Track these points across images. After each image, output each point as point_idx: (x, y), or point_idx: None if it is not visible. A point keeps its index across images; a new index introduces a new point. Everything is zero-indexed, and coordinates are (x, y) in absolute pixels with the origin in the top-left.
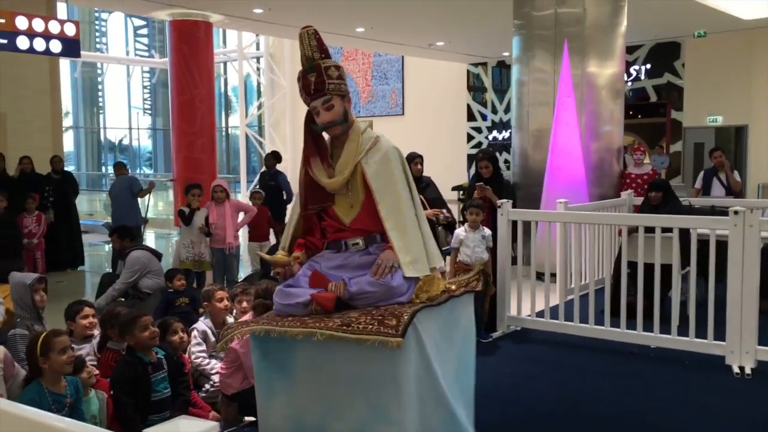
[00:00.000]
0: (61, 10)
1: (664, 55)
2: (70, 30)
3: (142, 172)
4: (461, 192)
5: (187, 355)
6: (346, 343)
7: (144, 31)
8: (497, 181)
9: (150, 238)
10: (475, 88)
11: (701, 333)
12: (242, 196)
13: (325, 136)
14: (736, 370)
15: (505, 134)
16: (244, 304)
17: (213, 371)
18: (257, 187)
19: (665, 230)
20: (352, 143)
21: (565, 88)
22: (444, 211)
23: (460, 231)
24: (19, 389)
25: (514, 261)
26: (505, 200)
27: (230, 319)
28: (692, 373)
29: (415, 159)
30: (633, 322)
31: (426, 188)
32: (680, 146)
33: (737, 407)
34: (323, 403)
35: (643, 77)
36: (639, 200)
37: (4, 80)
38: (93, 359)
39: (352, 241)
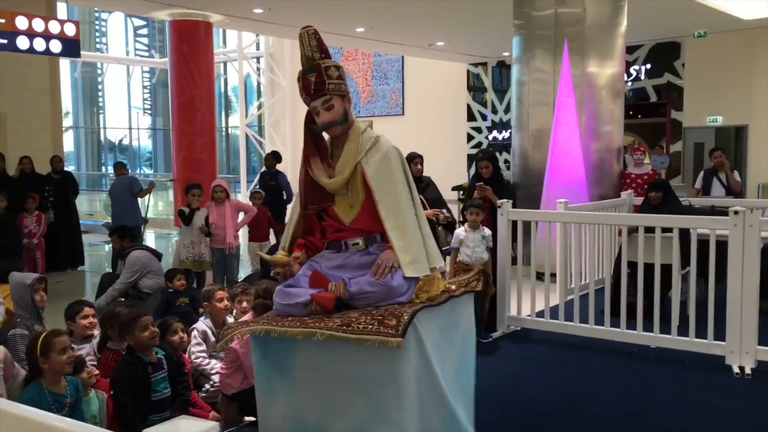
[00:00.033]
0: (61, 10)
1: (664, 55)
2: (70, 30)
3: (142, 172)
4: (461, 192)
5: (187, 355)
6: (346, 343)
7: (144, 31)
8: (497, 181)
9: (150, 238)
10: (475, 88)
11: (701, 333)
12: (242, 196)
13: (325, 136)
14: (736, 370)
15: (505, 134)
16: (244, 304)
17: (213, 371)
18: (257, 187)
19: (665, 230)
20: (352, 143)
21: (565, 88)
22: (444, 211)
23: (460, 231)
24: (19, 389)
25: (514, 261)
26: (505, 200)
27: (230, 319)
28: (692, 373)
29: (415, 159)
30: (633, 322)
31: (426, 188)
32: (680, 146)
33: (737, 407)
34: (323, 403)
35: (643, 77)
36: (639, 200)
37: (4, 80)
38: (93, 359)
39: (352, 241)
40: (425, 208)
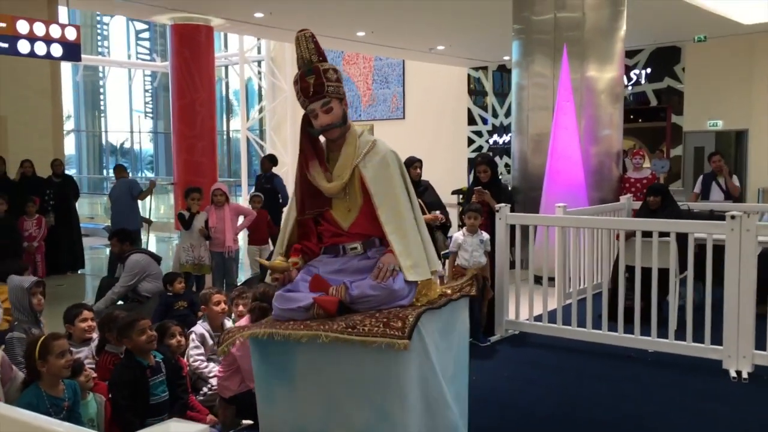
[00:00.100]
0: (63, 14)
1: (664, 60)
2: (70, 34)
3: (143, 175)
4: (461, 196)
5: (185, 359)
6: (349, 346)
7: (146, 34)
8: (495, 186)
9: (151, 241)
10: (475, 91)
11: (698, 337)
12: (243, 199)
13: (321, 139)
14: (733, 374)
15: (506, 138)
16: (241, 307)
17: (211, 374)
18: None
19: (663, 235)
20: (349, 147)
21: (565, 92)
22: (437, 212)
23: (458, 235)
24: (17, 392)
25: (512, 265)
26: (503, 204)
27: (228, 323)
28: (689, 377)
29: (414, 163)
30: (631, 326)
31: (424, 192)
32: (680, 150)
33: (734, 412)
34: (325, 407)
35: (643, 81)
36: (638, 204)
37: (5, 83)
38: (91, 362)
39: (351, 245)
40: (423, 213)
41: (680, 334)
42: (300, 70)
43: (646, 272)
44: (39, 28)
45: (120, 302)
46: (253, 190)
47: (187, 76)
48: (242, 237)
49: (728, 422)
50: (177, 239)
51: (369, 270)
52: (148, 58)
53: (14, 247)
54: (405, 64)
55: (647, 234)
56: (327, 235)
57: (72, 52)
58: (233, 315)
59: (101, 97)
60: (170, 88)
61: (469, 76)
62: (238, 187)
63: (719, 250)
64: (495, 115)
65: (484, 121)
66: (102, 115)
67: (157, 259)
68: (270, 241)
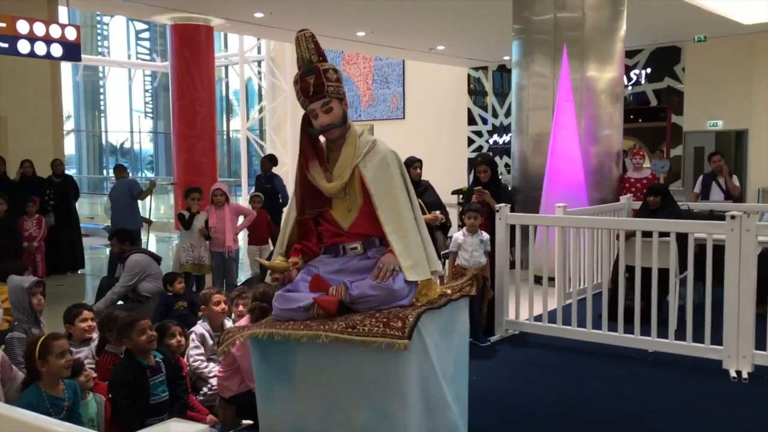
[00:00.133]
0: (63, 14)
1: (664, 60)
2: (70, 34)
3: (143, 175)
4: (461, 196)
5: (185, 359)
6: (349, 346)
7: (146, 34)
8: (495, 186)
9: (151, 241)
10: (475, 91)
11: (698, 337)
12: (243, 199)
13: (321, 139)
14: (733, 374)
15: (506, 138)
16: (241, 307)
17: (211, 374)
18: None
19: (662, 235)
20: (349, 147)
21: (565, 92)
22: (437, 212)
23: (459, 235)
24: (17, 392)
25: (512, 265)
26: (503, 204)
27: (228, 323)
28: (689, 377)
29: (414, 163)
30: (631, 326)
31: (424, 192)
32: (680, 150)
33: (734, 412)
34: (325, 407)
35: (643, 81)
36: (638, 204)
37: (5, 83)
38: (91, 362)
39: (351, 245)
40: (423, 213)
41: (680, 334)
42: (300, 70)
43: (646, 272)
44: (39, 28)
45: (120, 302)
46: (253, 190)
47: (187, 76)
48: (242, 237)
49: (728, 422)
50: (177, 239)
51: (369, 270)
52: (148, 58)
53: (14, 247)
54: (405, 64)
55: (647, 234)
56: (327, 235)
57: (72, 52)
58: (233, 315)
59: (101, 97)
60: (170, 88)
61: (469, 76)
62: (238, 187)
63: (719, 250)
64: (495, 115)
65: (484, 121)
66: (102, 115)
67: (157, 259)
68: (270, 241)
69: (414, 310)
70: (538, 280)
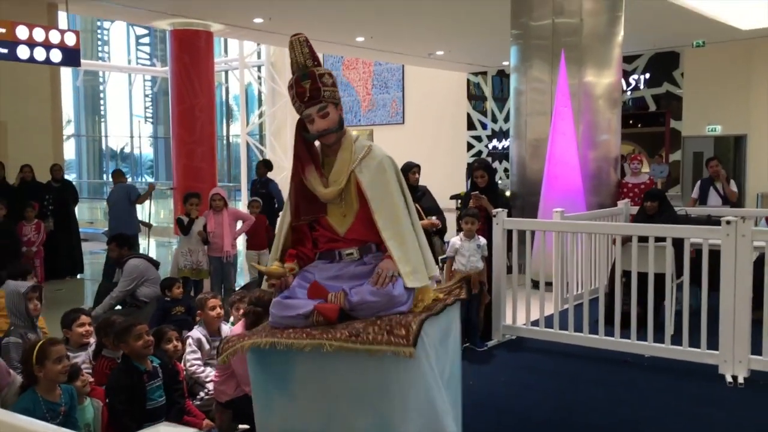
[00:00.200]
0: (62, 20)
1: (663, 65)
2: (70, 40)
3: (143, 180)
4: (459, 201)
5: (182, 363)
6: (351, 354)
7: (146, 40)
8: (492, 191)
9: (151, 246)
10: (475, 97)
11: (695, 342)
12: (243, 204)
13: (316, 144)
14: (729, 379)
15: (505, 143)
16: (241, 311)
17: (208, 379)
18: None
19: (659, 240)
20: (345, 152)
21: (563, 97)
22: (434, 218)
23: (456, 240)
24: (15, 396)
25: (509, 270)
26: (500, 209)
27: (225, 327)
28: (685, 382)
29: (412, 168)
30: (627, 331)
31: (422, 197)
32: (679, 155)
33: (730, 417)
34: (325, 415)
35: (642, 87)
36: (636, 209)
37: (5, 88)
38: (89, 367)
39: (347, 251)
40: (421, 218)
41: (676, 339)
42: (295, 74)
43: (643, 277)
44: (38, 34)
45: (118, 307)
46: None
47: (186, 81)
48: (241, 242)
49: (724, 427)
50: (176, 244)
51: (366, 276)
52: (148, 63)
53: (13, 252)
54: (404, 69)
55: (644, 239)
56: (323, 240)
57: (71, 57)
58: (232, 318)
59: (101, 101)
60: (170, 94)
61: (468, 81)
62: (237, 192)
63: (716, 255)
64: (494, 120)
65: (484, 126)
66: (102, 119)
67: (155, 264)
68: (268, 246)
69: (415, 317)
70: (536, 284)
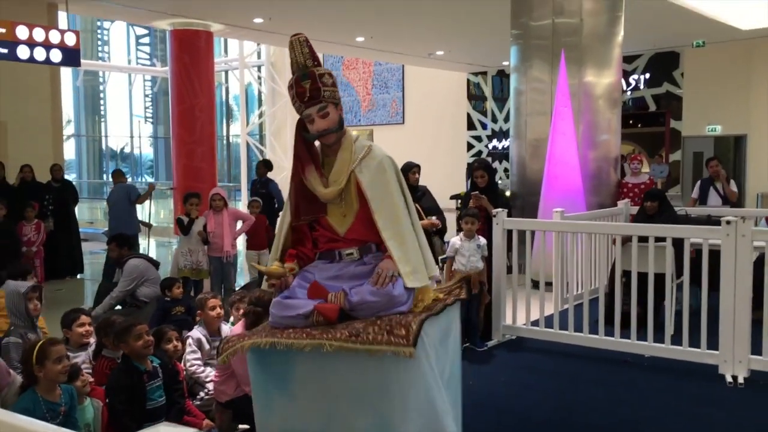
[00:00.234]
0: (63, 19)
1: (663, 65)
2: (70, 40)
3: (143, 180)
4: (459, 201)
5: (182, 363)
6: (351, 354)
7: (146, 39)
8: (492, 191)
9: (152, 246)
10: (475, 96)
11: (695, 342)
12: (243, 204)
13: (316, 144)
14: (729, 379)
15: (505, 143)
16: (242, 311)
17: (208, 379)
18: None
19: (659, 240)
20: (345, 152)
21: (562, 97)
22: (434, 218)
23: (456, 240)
24: (15, 396)
25: (509, 270)
26: (500, 209)
27: (225, 327)
28: (685, 382)
29: (412, 168)
30: (627, 331)
31: (422, 197)
32: (679, 155)
33: (730, 417)
34: (325, 415)
35: (642, 87)
36: (636, 209)
37: (5, 88)
38: (89, 367)
39: (347, 251)
40: (421, 218)
41: (676, 339)
42: (295, 74)
43: (643, 277)
44: (38, 34)
45: (118, 307)
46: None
47: (186, 81)
48: (241, 242)
49: (724, 427)
50: (177, 244)
51: (366, 276)
52: (148, 62)
53: (13, 252)
54: (404, 69)
55: (643, 239)
56: (323, 240)
57: (71, 57)
58: (232, 318)
59: (101, 101)
60: (170, 93)
61: (468, 81)
62: (238, 191)
63: (716, 255)
64: (494, 120)
65: (484, 126)
66: (102, 119)
67: (155, 264)
68: (269, 246)
69: (415, 317)
70: (536, 284)
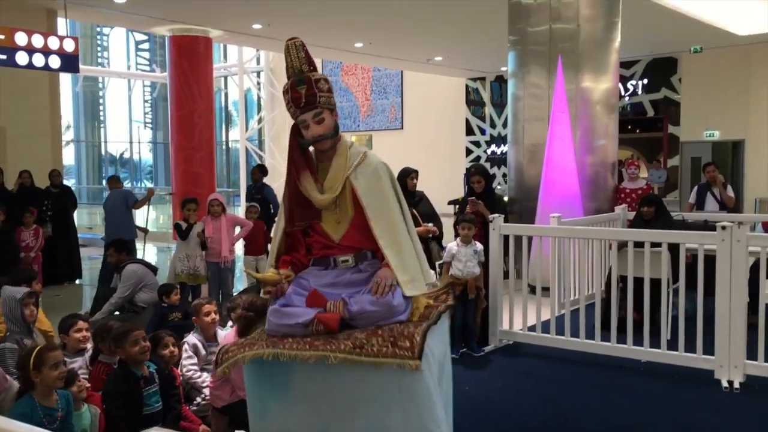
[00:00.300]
0: (62, 26)
1: (661, 71)
2: (69, 46)
3: (142, 185)
4: (456, 206)
5: (178, 369)
6: (352, 366)
7: (145, 45)
8: (489, 196)
9: (150, 251)
10: (473, 102)
11: (690, 347)
12: (241, 210)
13: (310, 149)
14: (724, 384)
15: (504, 148)
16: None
17: (204, 384)
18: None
19: (655, 245)
20: (340, 158)
21: (560, 103)
22: (430, 225)
23: (453, 245)
24: (12, 402)
25: (506, 275)
26: (497, 215)
27: (221, 332)
28: (681, 387)
29: (410, 174)
30: (623, 336)
31: (419, 203)
32: (677, 161)
33: (726, 421)
34: (322, 424)
35: (640, 92)
36: (633, 215)
37: (4, 94)
38: (85, 373)
39: (342, 258)
40: (418, 224)
41: (672, 344)
42: (290, 79)
43: (639, 282)
44: (37, 40)
45: (116, 312)
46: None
47: (185, 87)
48: (239, 247)
49: None
50: (175, 249)
51: (362, 283)
52: (147, 68)
53: (11, 258)
54: (403, 74)
55: (640, 244)
56: (317, 247)
57: (70, 63)
58: (230, 323)
59: (101, 107)
60: (169, 99)
61: (467, 86)
62: (236, 197)
63: (712, 260)
64: (493, 125)
65: (482, 132)
66: (101, 125)
67: (153, 269)
68: (266, 251)
69: (416, 327)
70: (533, 290)
